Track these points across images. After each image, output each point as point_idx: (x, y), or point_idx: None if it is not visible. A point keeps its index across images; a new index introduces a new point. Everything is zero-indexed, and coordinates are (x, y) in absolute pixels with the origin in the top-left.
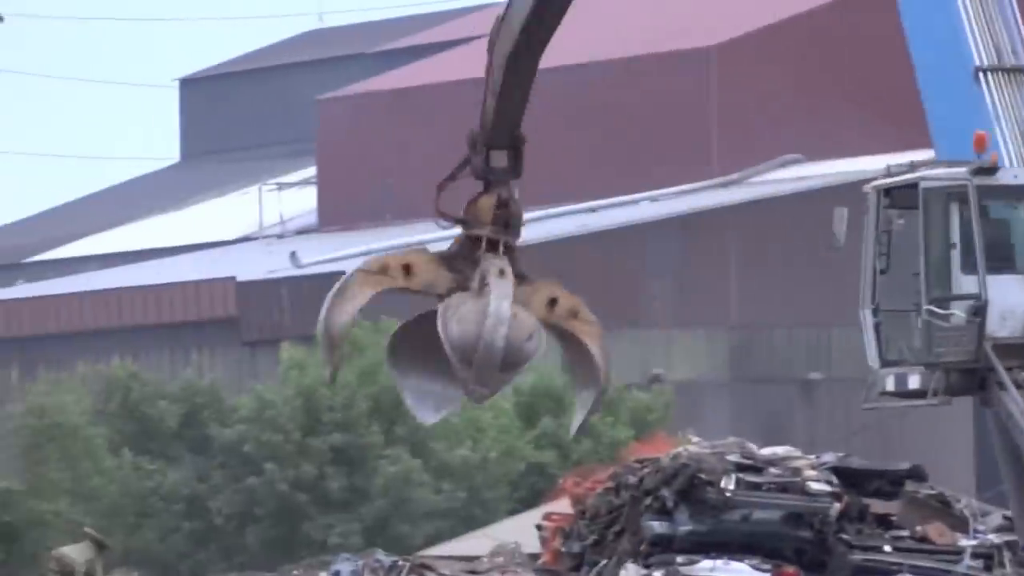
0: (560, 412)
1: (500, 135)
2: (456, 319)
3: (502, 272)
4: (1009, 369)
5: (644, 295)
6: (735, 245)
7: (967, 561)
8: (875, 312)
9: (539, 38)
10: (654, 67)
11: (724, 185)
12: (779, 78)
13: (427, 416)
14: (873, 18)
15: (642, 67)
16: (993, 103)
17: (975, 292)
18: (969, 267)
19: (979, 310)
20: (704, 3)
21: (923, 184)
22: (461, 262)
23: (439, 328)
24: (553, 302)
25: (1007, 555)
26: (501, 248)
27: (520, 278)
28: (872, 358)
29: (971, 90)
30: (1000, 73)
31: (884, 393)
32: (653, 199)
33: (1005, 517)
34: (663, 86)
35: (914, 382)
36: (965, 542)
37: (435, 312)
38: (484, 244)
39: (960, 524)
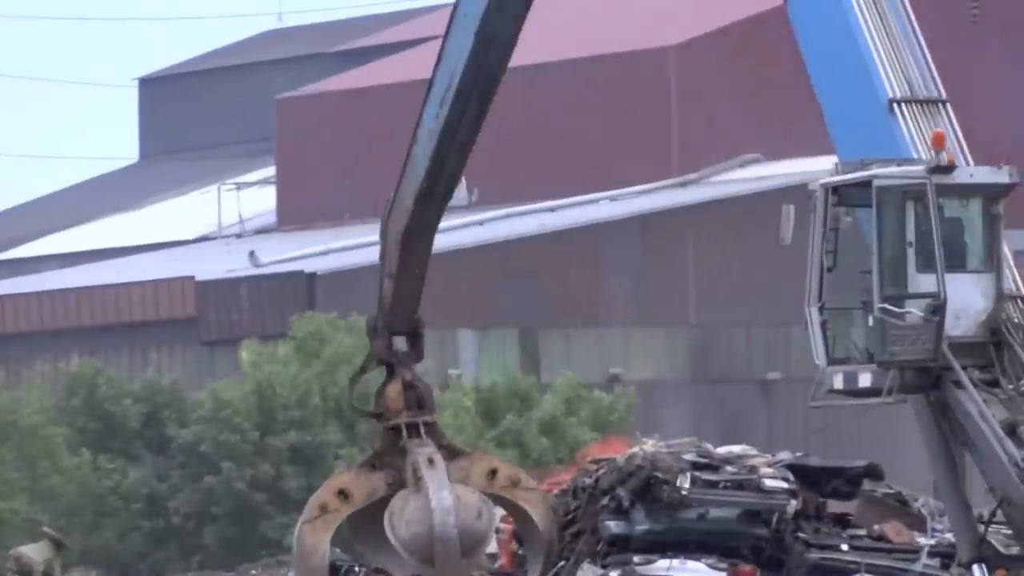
0: (523, 409)
1: (400, 320)
2: (404, 523)
3: (431, 461)
4: (963, 368)
5: (603, 294)
6: (694, 245)
7: (924, 560)
8: (822, 310)
9: (433, 211)
10: (613, 67)
11: (683, 185)
12: (738, 78)
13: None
14: None
15: (601, 67)
16: (909, 134)
17: (933, 290)
18: (925, 265)
19: (938, 309)
20: (663, 4)
21: (877, 182)
22: (389, 457)
23: (390, 537)
24: (493, 473)
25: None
26: (422, 430)
27: (453, 452)
28: (819, 356)
29: (885, 122)
30: (914, 104)
31: (832, 391)
32: (612, 198)
33: None
34: (622, 86)
35: (865, 380)
36: (922, 541)
37: (380, 499)
38: (404, 431)
39: (917, 523)
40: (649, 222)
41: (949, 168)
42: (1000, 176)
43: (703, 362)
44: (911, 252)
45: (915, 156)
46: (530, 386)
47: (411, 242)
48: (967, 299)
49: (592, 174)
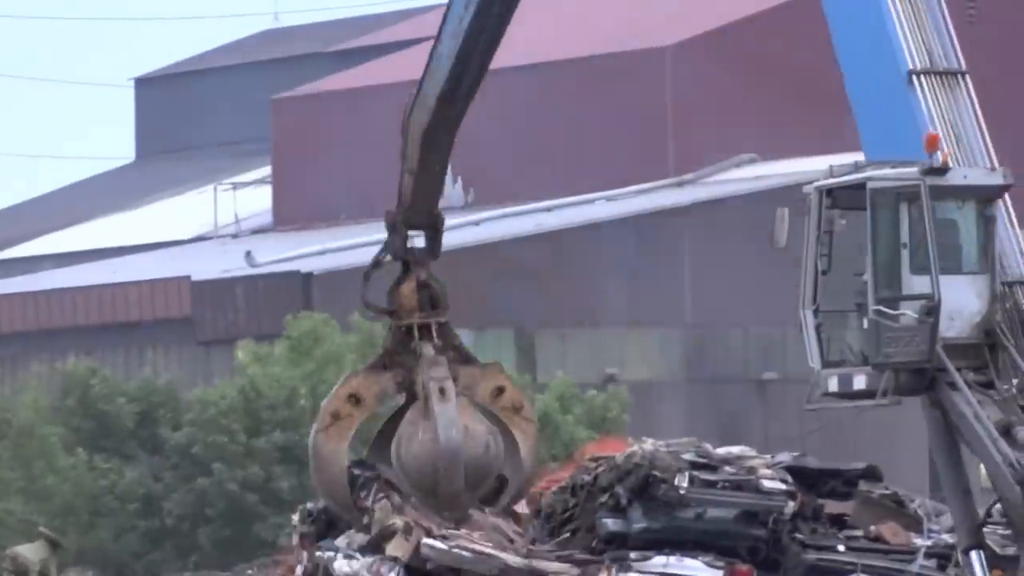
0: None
1: (419, 215)
2: (411, 456)
3: (443, 391)
4: (958, 369)
5: (599, 294)
6: (690, 245)
7: (921, 561)
8: (816, 313)
9: (455, 111)
10: (609, 67)
11: (679, 184)
12: (734, 78)
13: None
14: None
15: (597, 67)
16: (927, 106)
17: (928, 292)
18: (919, 267)
19: (932, 310)
20: (659, 3)
21: (871, 184)
22: (400, 356)
23: (395, 466)
24: (499, 391)
25: (961, 555)
26: (434, 330)
27: (465, 358)
28: (813, 359)
29: (904, 94)
30: (933, 76)
31: (827, 394)
32: (608, 198)
33: None
34: (618, 86)
35: (860, 383)
36: (919, 542)
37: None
38: (416, 332)
39: (914, 524)
40: (645, 222)
41: (943, 170)
42: (994, 178)
43: (699, 362)
44: (905, 254)
45: (931, 130)
46: (524, 385)
47: (432, 139)
48: (962, 301)
49: (588, 174)
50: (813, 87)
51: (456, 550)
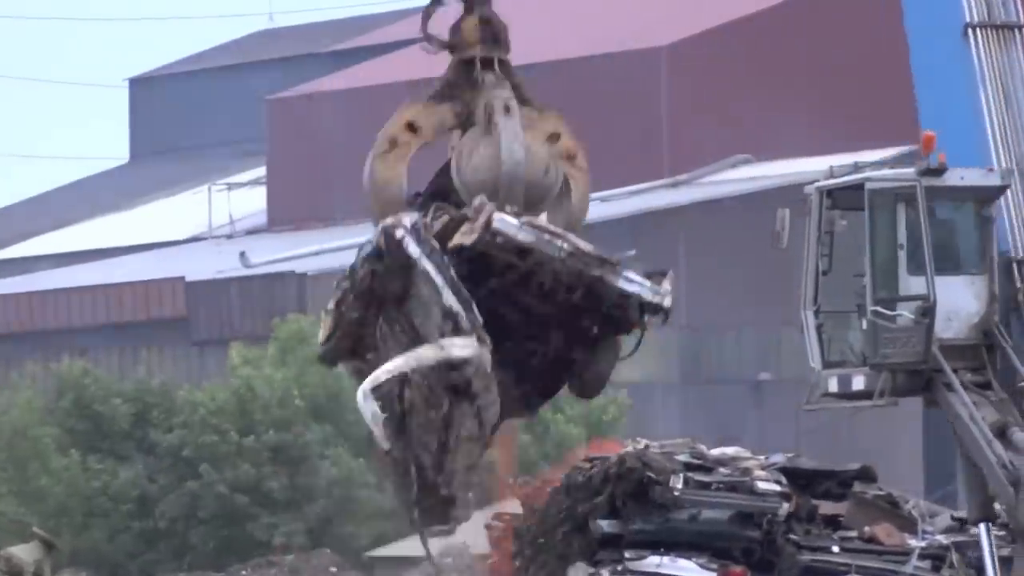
0: None
1: None
2: (471, 168)
3: (507, 108)
4: (955, 370)
5: None
6: (685, 246)
7: (915, 562)
8: (817, 313)
9: None
10: (605, 67)
11: (674, 185)
12: (730, 78)
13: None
14: (824, 18)
15: (593, 67)
16: (979, 62)
17: (923, 293)
18: (916, 268)
19: (927, 311)
20: (655, 3)
21: (869, 185)
22: (460, 89)
23: (454, 178)
24: (555, 137)
25: (955, 556)
26: (496, 64)
27: (523, 99)
28: (814, 359)
29: (959, 50)
30: (989, 29)
31: (827, 394)
32: (603, 199)
33: (954, 518)
34: (614, 86)
35: (858, 383)
36: (913, 543)
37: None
38: (478, 65)
39: (908, 525)
40: (640, 223)
41: (940, 170)
42: (991, 179)
43: (694, 363)
44: (902, 255)
45: (981, 91)
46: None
47: None
48: (959, 302)
49: None
50: (809, 87)
51: (528, 227)
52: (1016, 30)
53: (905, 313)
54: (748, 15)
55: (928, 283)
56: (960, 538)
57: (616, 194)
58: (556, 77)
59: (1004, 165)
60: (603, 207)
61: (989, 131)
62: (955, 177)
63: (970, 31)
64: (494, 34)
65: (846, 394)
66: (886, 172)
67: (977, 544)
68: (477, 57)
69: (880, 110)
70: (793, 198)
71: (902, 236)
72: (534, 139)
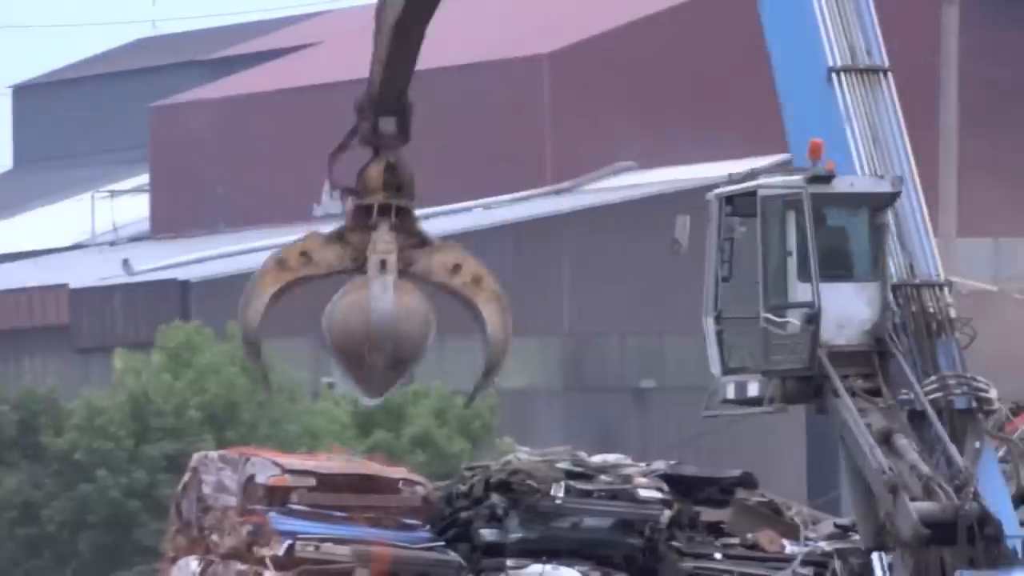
0: (397, 425)
1: (388, 101)
2: (338, 318)
3: (384, 264)
4: (845, 377)
5: None
6: (568, 253)
7: (797, 568)
8: (717, 320)
9: (426, 4)
10: (487, 75)
11: (557, 193)
12: (612, 85)
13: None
14: (708, 26)
15: (475, 75)
16: (845, 104)
17: (809, 300)
18: (805, 275)
19: (813, 318)
20: (537, 11)
21: (761, 192)
22: (357, 234)
23: (323, 328)
24: (457, 268)
25: (838, 563)
26: (393, 213)
27: (421, 241)
28: (714, 366)
29: (823, 91)
30: (853, 74)
31: (725, 400)
32: (486, 207)
33: (836, 525)
34: (496, 94)
35: (752, 389)
36: (796, 550)
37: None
38: (376, 211)
39: (791, 531)
40: (522, 230)
41: (827, 178)
42: (882, 185)
43: (577, 370)
44: (792, 262)
45: (847, 130)
46: (403, 401)
47: (403, 30)
48: (851, 308)
49: (466, 182)
50: (692, 95)
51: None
52: (881, 74)
53: (793, 320)
54: (630, 22)
55: (814, 290)
56: (842, 545)
57: (499, 202)
58: (439, 84)
59: None
60: (486, 215)
61: (858, 168)
62: (844, 184)
63: (834, 75)
64: (399, 183)
65: (742, 400)
66: (776, 179)
67: (859, 551)
68: (375, 204)
69: (763, 117)
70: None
71: (791, 243)
72: (414, 298)
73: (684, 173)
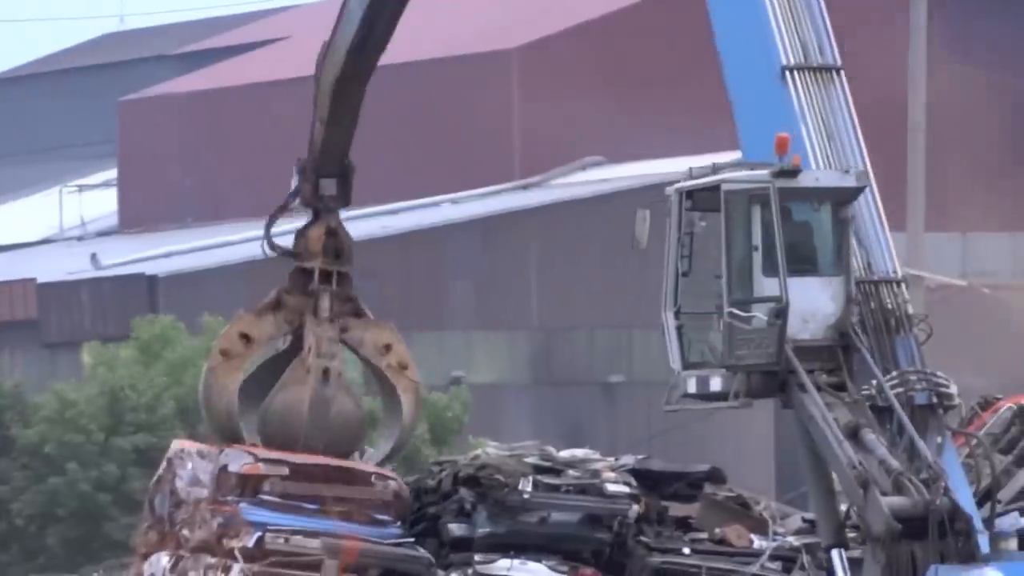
0: None
1: (329, 163)
2: (280, 421)
3: (326, 373)
4: (810, 371)
5: (445, 297)
6: (536, 247)
7: (765, 563)
8: (677, 314)
9: (366, 64)
10: (456, 70)
11: (525, 187)
12: (582, 80)
13: None
14: (675, 21)
15: (444, 70)
16: (799, 102)
17: (776, 295)
18: (770, 269)
19: (780, 312)
20: (506, 5)
21: (725, 187)
22: (295, 297)
23: (261, 417)
24: (387, 348)
25: (806, 558)
26: (334, 279)
27: (358, 312)
28: (674, 360)
29: (776, 89)
30: (806, 72)
31: (687, 395)
32: (454, 201)
33: (804, 520)
34: (465, 89)
35: (716, 384)
36: (764, 544)
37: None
38: (317, 276)
39: (759, 526)
40: (490, 225)
41: (793, 172)
42: (847, 180)
43: (545, 365)
44: (757, 256)
45: (802, 128)
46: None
47: (343, 91)
48: (816, 303)
49: (434, 177)
50: (661, 89)
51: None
52: (834, 72)
53: (759, 315)
54: (599, 17)
55: (781, 284)
56: (811, 540)
57: (467, 196)
58: (406, 80)
59: None
60: (454, 209)
61: (813, 165)
62: (810, 179)
63: (787, 73)
64: (337, 248)
65: (704, 395)
66: (741, 173)
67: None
68: (316, 269)
69: (729, 112)
70: (645, 199)
71: (757, 237)
72: (349, 402)
73: (653, 168)
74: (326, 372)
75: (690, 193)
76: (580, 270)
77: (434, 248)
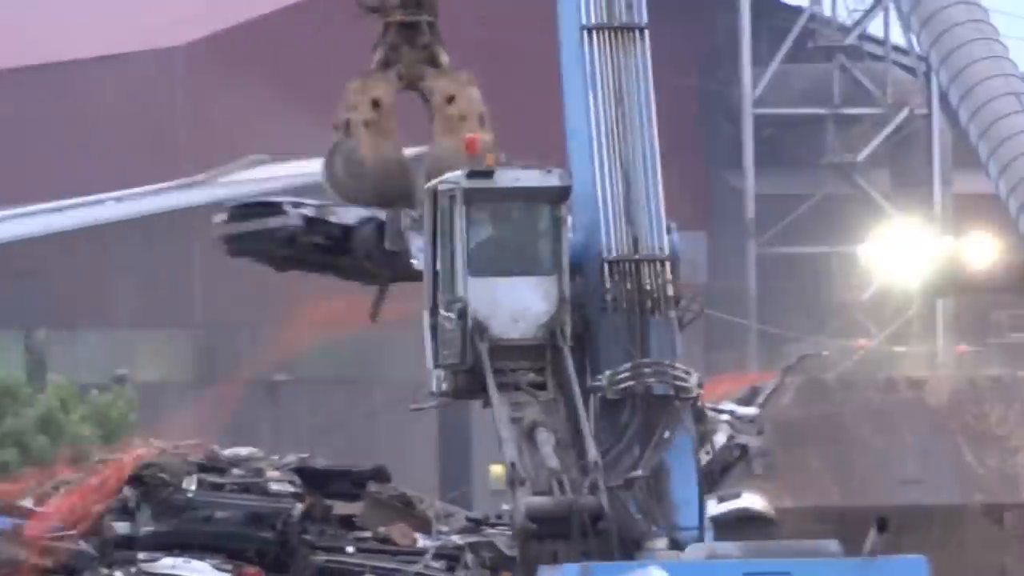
0: (17, 409)
1: None
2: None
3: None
4: (514, 370)
5: (109, 295)
6: (200, 245)
7: (429, 562)
8: (433, 312)
9: None
10: (120, 67)
11: (189, 185)
12: (248, 78)
13: None
14: (343, 18)
15: (108, 67)
16: (592, 65)
17: (460, 296)
18: (473, 270)
19: (462, 313)
20: (170, 3)
21: (439, 188)
22: (400, 51)
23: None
24: (451, 99)
25: (470, 556)
26: (426, 27)
27: (432, 61)
28: (429, 359)
29: (578, 51)
30: (607, 32)
31: (432, 393)
32: (118, 199)
33: (468, 519)
34: (129, 86)
35: (434, 384)
36: (428, 543)
37: None
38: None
39: (423, 525)
40: (154, 222)
41: (488, 173)
42: (550, 180)
43: (209, 363)
44: (460, 257)
45: (590, 92)
46: (19, 384)
47: None
48: (527, 302)
49: (100, 174)
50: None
51: None
52: (637, 31)
53: (452, 315)
54: (264, 15)
55: (463, 285)
56: (474, 538)
57: (131, 194)
58: (71, 77)
59: (607, 166)
60: (117, 207)
61: (594, 131)
62: (509, 179)
63: (585, 34)
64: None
65: (440, 393)
66: (448, 175)
67: (491, 545)
68: (423, 21)
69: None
70: (308, 196)
71: (460, 238)
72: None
73: (315, 165)
74: (481, 117)
75: (436, 193)
76: (243, 267)
77: (98, 246)
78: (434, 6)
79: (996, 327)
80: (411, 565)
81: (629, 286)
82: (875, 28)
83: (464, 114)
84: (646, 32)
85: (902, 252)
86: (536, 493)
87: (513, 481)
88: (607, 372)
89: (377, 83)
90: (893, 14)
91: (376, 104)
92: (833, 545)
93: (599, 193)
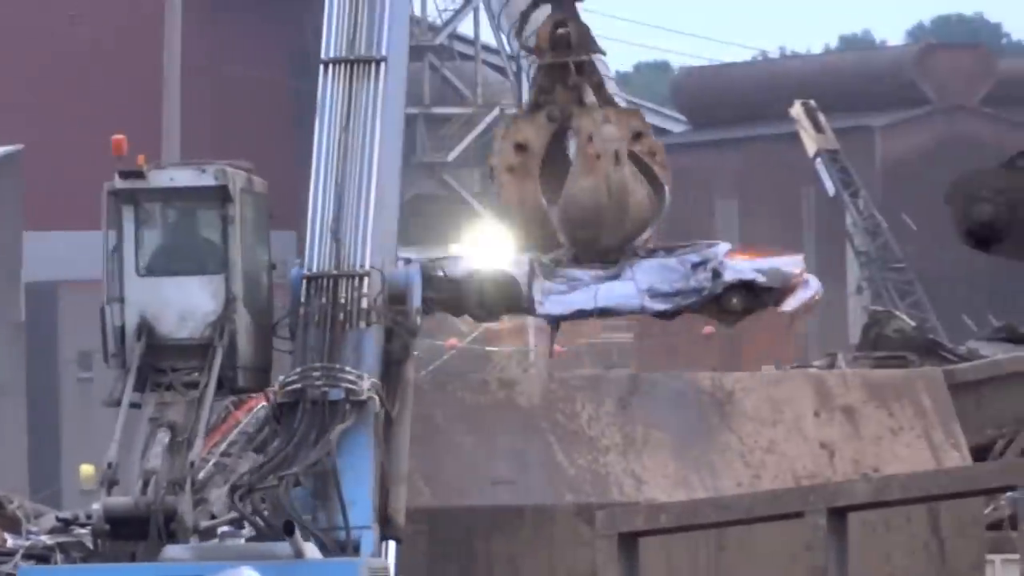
0: None
1: None
2: (581, 208)
3: (618, 156)
4: (176, 370)
5: None
6: None
7: (18, 562)
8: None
9: None
10: None
11: None
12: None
13: None
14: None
15: None
16: (323, 94)
17: (125, 295)
18: (144, 269)
19: (121, 313)
20: None
21: (108, 188)
22: (552, 95)
23: (560, 220)
24: (638, 136)
25: (60, 556)
26: (573, 69)
27: (605, 100)
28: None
29: (320, 83)
30: (343, 65)
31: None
32: None
33: (59, 519)
34: None
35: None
36: (17, 543)
37: None
38: (573, 70)
39: (12, 525)
40: None
41: (138, 173)
42: (204, 179)
43: None
44: (128, 256)
45: (317, 120)
46: None
47: None
48: (195, 301)
49: None
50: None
51: None
52: (373, 64)
53: (118, 315)
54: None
55: (126, 284)
56: (64, 538)
57: None
58: None
59: (322, 187)
60: None
61: (315, 157)
62: (164, 179)
63: (322, 68)
64: (568, 40)
65: (110, 401)
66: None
67: (81, 544)
68: (571, 62)
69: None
70: None
71: (128, 237)
72: (635, 181)
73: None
74: (616, 154)
75: (112, 192)
76: None
77: None
78: (585, 46)
79: (592, 327)
80: (2, 566)
81: (323, 300)
82: (465, 28)
83: (654, 148)
84: (383, 64)
85: (492, 252)
86: (126, 494)
87: (103, 481)
88: (280, 377)
89: (524, 126)
90: (483, 14)
91: (521, 147)
92: (279, 548)
93: (310, 213)
